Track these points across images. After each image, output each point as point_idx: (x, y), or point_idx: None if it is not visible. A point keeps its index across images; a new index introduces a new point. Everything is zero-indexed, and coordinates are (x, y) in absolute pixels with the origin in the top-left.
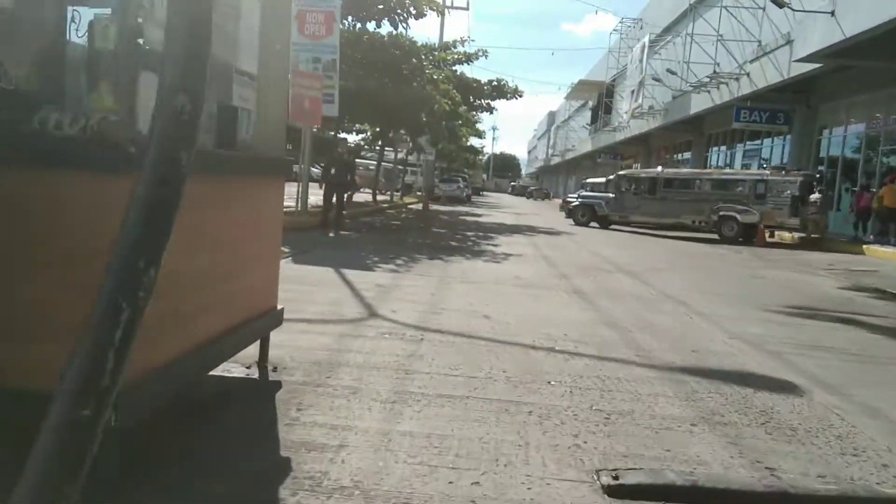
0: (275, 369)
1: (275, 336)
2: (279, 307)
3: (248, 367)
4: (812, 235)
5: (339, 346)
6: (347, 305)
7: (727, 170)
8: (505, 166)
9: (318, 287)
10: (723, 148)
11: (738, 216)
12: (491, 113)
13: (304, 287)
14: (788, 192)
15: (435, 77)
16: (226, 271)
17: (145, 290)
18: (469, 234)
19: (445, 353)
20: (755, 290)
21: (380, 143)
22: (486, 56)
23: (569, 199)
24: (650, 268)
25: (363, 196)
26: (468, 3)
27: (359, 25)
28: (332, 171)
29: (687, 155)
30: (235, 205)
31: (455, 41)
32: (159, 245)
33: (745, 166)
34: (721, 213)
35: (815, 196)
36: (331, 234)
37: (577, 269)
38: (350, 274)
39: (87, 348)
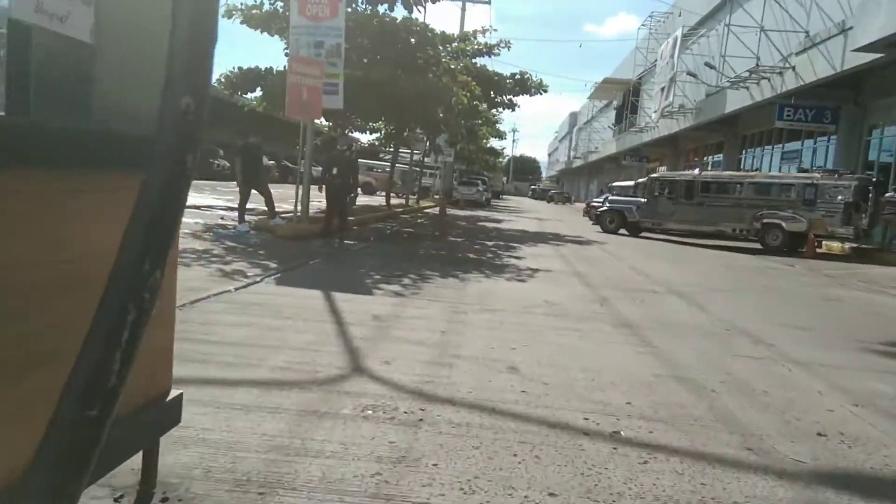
0: (165, 500)
1: (196, 418)
2: (173, 393)
3: (116, 501)
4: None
5: (292, 441)
6: (326, 352)
7: (772, 172)
8: (525, 169)
9: (294, 321)
10: (758, 150)
11: (783, 224)
12: (513, 110)
13: (276, 321)
14: (841, 197)
15: (452, 67)
16: (51, 347)
17: (151, 291)
18: (489, 243)
19: (455, 452)
20: (840, 320)
21: (394, 143)
22: (509, 48)
23: (593, 204)
24: (702, 287)
25: (377, 199)
26: None
27: (369, 8)
28: (333, 170)
29: (718, 157)
30: (59, 221)
31: (475, 31)
32: (164, 247)
33: (782, 170)
34: (765, 221)
35: (889, 194)
36: (334, 244)
37: (618, 290)
38: (342, 299)
39: (93, 349)
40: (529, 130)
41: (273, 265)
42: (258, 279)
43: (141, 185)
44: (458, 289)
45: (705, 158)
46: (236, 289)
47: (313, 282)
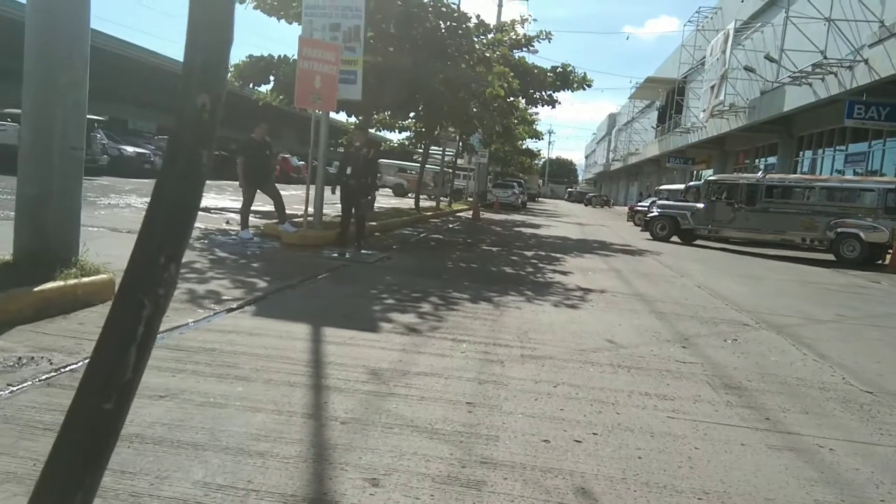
0: None
1: None
2: None
3: None
4: None
5: None
6: (277, 456)
7: (848, 176)
8: (560, 171)
9: (250, 385)
10: (819, 152)
11: (861, 233)
12: (553, 106)
13: (223, 385)
14: None
15: (487, 55)
16: None
17: (166, 286)
18: (528, 253)
19: None
20: None
21: (425, 142)
22: (550, 39)
23: (638, 208)
24: (798, 316)
25: (407, 202)
26: None
27: None
28: (348, 170)
29: (772, 159)
30: None
31: (513, 21)
32: (180, 242)
33: (840, 173)
34: (839, 230)
35: None
36: (347, 255)
37: (697, 321)
38: (335, 340)
39: (109, 343)
40: (565, 132)
41: (263, 283)
42: (233, 305)
43: (156, 180)
44: (492, 319)
45: (756, 161)
46: (195, 321)
47: (304, 310)
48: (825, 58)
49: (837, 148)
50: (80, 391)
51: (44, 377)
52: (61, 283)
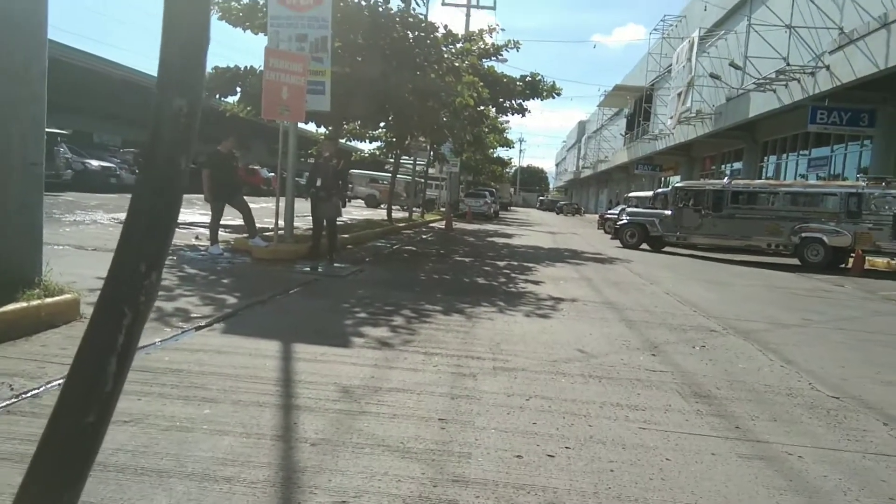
0: None
1: None
2: None
3: None
4: None
5: None
6: (244, 480)
7: (812, 181)
8: (532, 180)
9: (218, 406)
10: (783, 156)
11: (825, 238)
12: (523, 115)
13: (189, 408)
14: (889, 208)
15: (456, 64)
16: None
17: (147, 294)
18: (500, 263)
19: None
20: None
21: (396, 151)
22: (518, 48)
23: (608, 216)
24: (764, 321)
25: (379, 213)
26: (495, 2)
27: None
28: (318, 181)
29: (737, 165)
30: None
31: (481, 30)
32: (160, 249)
33: (803, 177)
34: (804, 235)
35: None
36: (319, 269)
37: (666, 329)
38: (305, 357)
39: (89, 353)
40: (535, 140)
41: (233, 300)
42: (202, 323)
43: (134, 187)
44: (465, 331)
45: (723, 166)
46: (162, 340)
47: (275, 326)
48: (788, 64)
49: (801, 153)
50: (60, 404)
51: (3, 404)
52: (23, 304)
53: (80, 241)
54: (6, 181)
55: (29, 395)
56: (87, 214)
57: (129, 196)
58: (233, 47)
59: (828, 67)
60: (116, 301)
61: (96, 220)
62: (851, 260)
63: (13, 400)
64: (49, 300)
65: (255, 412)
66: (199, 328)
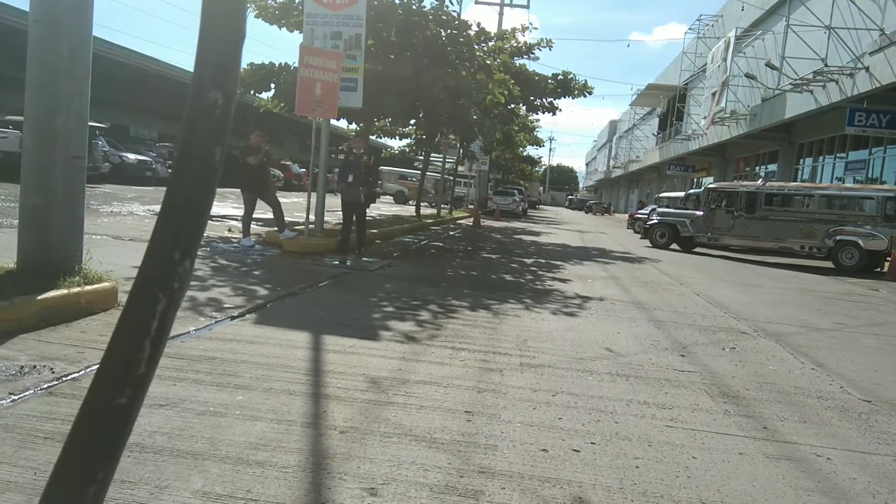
0: None
1: None
2: None
3: None
4: None
5: None
6: (276, 465)
7: (848, 184)
8: (561, 179)
9: (250, 393)
10: (819, 159)
11: (860, 241)
12: (554, 113)
13: (223, 394)
14: None
15: (488, 63)
16: None
17: (180, 281)
18: (527, 260)
19: None
20: None
21: (425, 149)
22: (550, 47)
23: (638, 216)
24: (796, 324)
25: (408, 209)
26: (528, 1)
27: None
28: (349, 178)
29: (772, 167)
30: None
31: (514, 29)
32: (194, 237)
33: (840, 181)
34: (839, 238)
35: None
36: (348, 262)
37: (695, 330)
38: (335, 349)
39: (123, 337)
40: (566, 139)
41: (264, 291)
42: (234, 313)
43: (170, 177)
44: (492, 327)
45: (757, 168)
46: (196, 329)
47: (305, 318)
48: (826, 65)
49: (838, 155)
50: (95, 385)
51: (45, 386)
52: (64, 291)
53: (118, 232)
54: (51, 173)
55: (69, 378)
56: (124, 206)
57: (164, 189)
58: (269, 44)
59: (867, 69)
60: (151, 287)
61: (133, 212)
62: (887, 264)
63: (54, 382)
64: (89, 288)
65: (286, 400)
66: (232, 318)
